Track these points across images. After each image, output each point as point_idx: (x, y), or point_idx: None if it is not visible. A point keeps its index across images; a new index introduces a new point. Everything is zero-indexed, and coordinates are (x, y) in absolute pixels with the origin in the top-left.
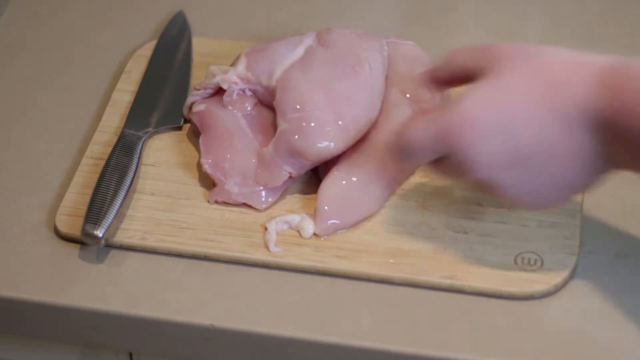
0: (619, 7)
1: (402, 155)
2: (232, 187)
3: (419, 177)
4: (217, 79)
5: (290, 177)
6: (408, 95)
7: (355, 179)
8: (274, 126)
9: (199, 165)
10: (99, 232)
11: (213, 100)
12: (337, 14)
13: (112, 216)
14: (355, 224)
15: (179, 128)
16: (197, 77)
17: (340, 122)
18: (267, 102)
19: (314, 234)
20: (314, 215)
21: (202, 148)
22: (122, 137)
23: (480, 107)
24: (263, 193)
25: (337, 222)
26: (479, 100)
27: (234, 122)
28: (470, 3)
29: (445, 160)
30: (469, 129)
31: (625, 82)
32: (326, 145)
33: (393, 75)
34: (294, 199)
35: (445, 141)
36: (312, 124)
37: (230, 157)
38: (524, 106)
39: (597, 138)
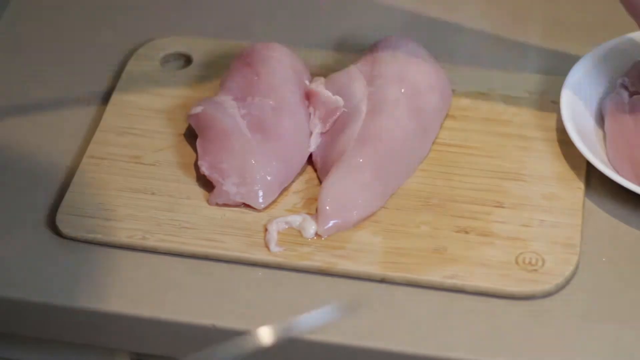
0: (620, 7)
1: None
2: (230, 187)
3: (420, 178)
4: None
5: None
6: (403, 91)
7: (356, 179)
8: (271, 125)
9: (197, 167)
10: None
11: (209, 103)
12: (338, 14)
13: None
14: (356, 224)
15: None
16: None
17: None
18: None
19: (316, 234)
20: (315, 215)
21: (199, 150)
22: None
23: None
24: (260, 192)
25: (338, 222)
26: None
27: (231, 122)
28: (471, 3)
29: None
30: None
31: None
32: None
33: (392, 74)
34: (295, 199)
35: None
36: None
37: (227, 158)
38: None
39: None
